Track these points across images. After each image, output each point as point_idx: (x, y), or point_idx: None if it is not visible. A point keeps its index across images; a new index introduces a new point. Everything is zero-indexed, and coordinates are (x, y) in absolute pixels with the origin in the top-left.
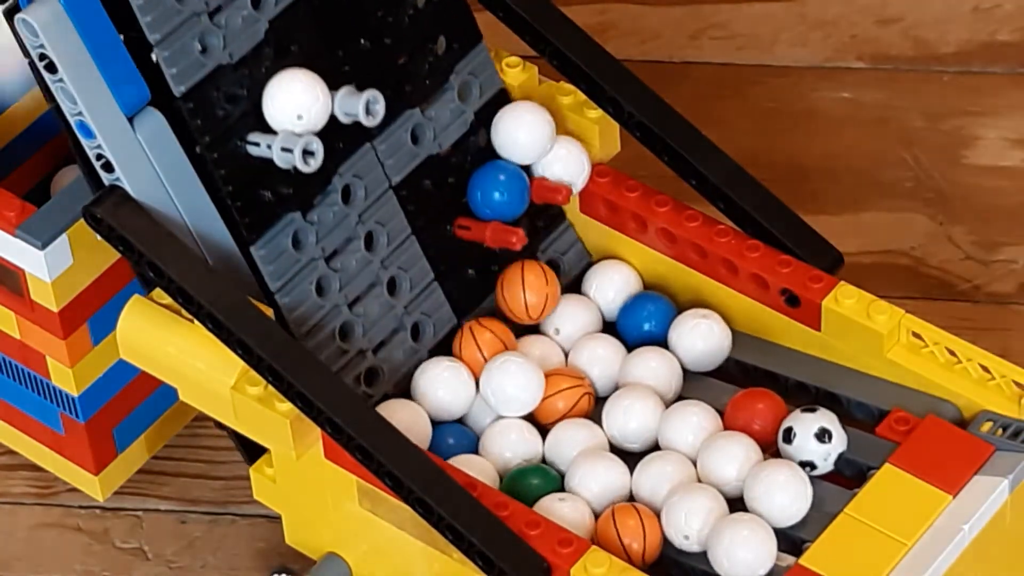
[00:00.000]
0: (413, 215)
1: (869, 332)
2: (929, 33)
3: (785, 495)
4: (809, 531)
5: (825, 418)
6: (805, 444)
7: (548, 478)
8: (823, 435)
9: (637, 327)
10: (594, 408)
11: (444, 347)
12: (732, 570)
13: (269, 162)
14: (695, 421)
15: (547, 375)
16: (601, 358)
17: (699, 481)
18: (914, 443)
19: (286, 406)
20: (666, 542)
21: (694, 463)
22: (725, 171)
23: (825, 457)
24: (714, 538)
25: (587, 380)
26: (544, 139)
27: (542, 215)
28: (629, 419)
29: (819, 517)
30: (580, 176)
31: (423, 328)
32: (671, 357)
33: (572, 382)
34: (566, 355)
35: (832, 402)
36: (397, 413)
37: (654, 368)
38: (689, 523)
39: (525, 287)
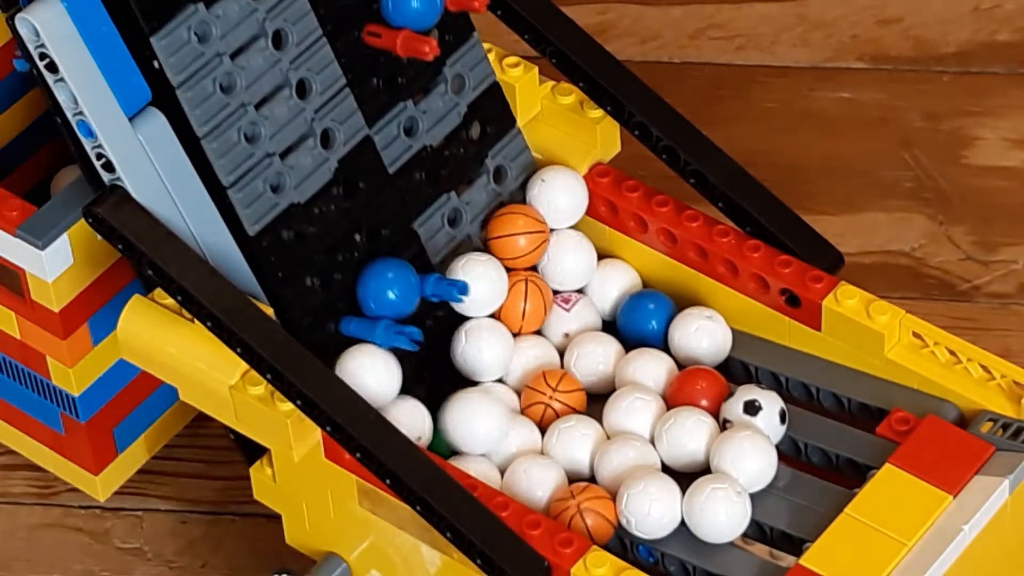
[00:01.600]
0: (324, 18)
1: (869, 332)
2: (929, 33)
3: (752, 460)
4: (809, 531)
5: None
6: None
7: (439, 443)
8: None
9: (638, 326)
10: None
11: (354, 157)
12: (707, 531)
13: None
14: (639, 406)
15: (541, 374)
16: (598, 358)
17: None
18: (914, 443)
19: (286, 406)
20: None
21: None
22: (725, 171)
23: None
24: (690, 499)
25: (565, 382)
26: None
27: (451, 29)
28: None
29: (819, 517)
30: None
31: (333, 135)
32: (666, 358)
33: (539, 394)
34: (562, 354)
35: (832, 402)
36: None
37: (649, 368)
38: (633, 508)
39: (527, 297)
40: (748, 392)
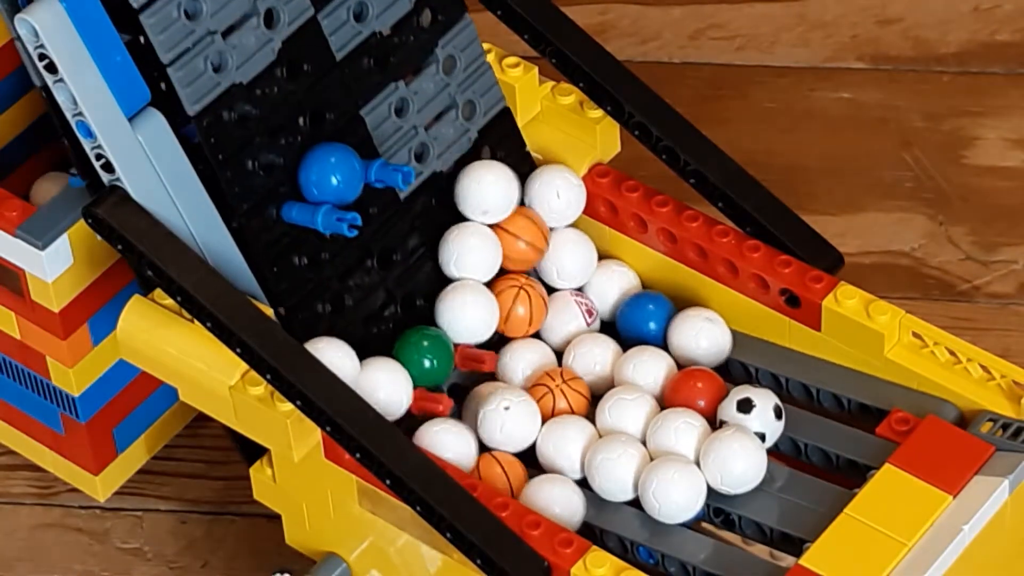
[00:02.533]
0: None
1: (869, 332)
2: (929, 33)
3: (738, 460)
4: (809, 531)
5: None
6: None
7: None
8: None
9: (637, 327)
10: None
11: (298, 39)
12: (664, 511)
13: None
14: (625, 405)
15: (558, 370)
16: (596, 358)
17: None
18: (914, 443)
19: (286, 406)
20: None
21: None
22: (725, 171)
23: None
24: (644, 481)
25: (575, 382)
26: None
27: None
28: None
29: (819, 517)
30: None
31: (277, 14)
32: (666, 356)
33: (542, 387)
34: (559, 355)
35: (832, 402)
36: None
37: (649, 367)
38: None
39: (516, 301)
40: (741, 391)
